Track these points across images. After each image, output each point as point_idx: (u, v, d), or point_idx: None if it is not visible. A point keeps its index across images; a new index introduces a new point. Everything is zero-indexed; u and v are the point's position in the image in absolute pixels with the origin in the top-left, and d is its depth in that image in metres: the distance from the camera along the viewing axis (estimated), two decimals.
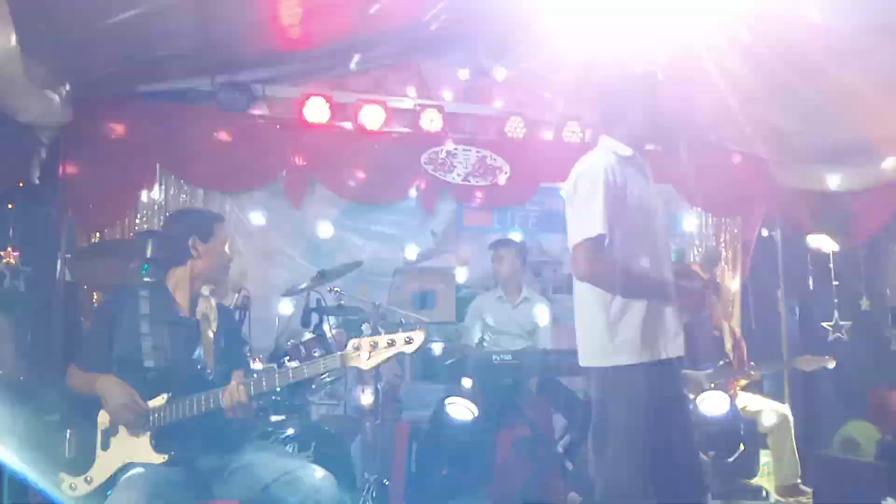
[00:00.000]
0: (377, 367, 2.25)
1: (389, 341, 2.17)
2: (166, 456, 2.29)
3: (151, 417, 2.32)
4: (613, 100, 2.50)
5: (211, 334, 2.50)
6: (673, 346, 2.32)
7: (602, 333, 2.32)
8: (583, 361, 2.39)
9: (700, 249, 5.62)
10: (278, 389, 2.31)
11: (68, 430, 2.40)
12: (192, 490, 2.33)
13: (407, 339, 2.16)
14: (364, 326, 4.08)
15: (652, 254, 2.37)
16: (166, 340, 2.43)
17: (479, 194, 5.27)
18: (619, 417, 2.26)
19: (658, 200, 2.48)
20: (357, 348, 2.17)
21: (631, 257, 2.33)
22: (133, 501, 2.09)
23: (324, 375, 3.74)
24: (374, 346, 2.17)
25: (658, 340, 2.30)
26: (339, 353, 2.22)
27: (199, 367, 2.40)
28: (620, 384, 2.28)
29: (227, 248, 2.64)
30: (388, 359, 2.19)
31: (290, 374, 2.24)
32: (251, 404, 2.28)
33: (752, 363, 4.64)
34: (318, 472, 2.32)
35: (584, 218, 2.30)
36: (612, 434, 2.25)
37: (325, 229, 5.04)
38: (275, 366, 3.57)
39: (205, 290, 2.57)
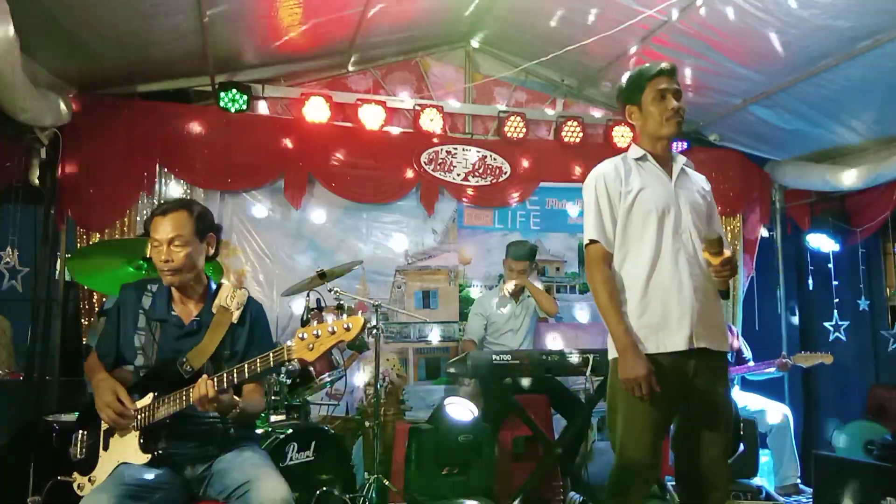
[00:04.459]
0: (321, 357, 2.18)
1: (331, 330, 2.09)
2: (149, 456, 2.26)
3: (139, 417, 2.29)
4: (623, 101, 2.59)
5: (216, 339, 2.41)
6: (674, 339, 2.34)
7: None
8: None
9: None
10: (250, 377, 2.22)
11: (80, 432, 2.41)
12: (173, 492, 2.29)
13: (346, 326, 2.08)
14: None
15: (655, 254, 2.40)
16: (155, 338, 2.40)
17: (479, 194, 5.28)
18: (619, 406, 2.39)
19: (681, 200, 2.48)
20: (303, 338, 2.11)
21: (627, 260, 2.46)
22: None
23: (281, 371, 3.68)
24: (317, 335, 2.10)
25: (658, 333, 2.36)
26: (285, 344, 2.16)
27: (181, 366, 2.32)
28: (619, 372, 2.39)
29: (164, 248, 2.34)
30: (331, 348, 2.12)
31: (246, 370, 2.19)
32: (220, 399, 2.19)
33: (752, 362, 4.64)
34: (272, 484, 2.21)
35: (588, 223, 2.51)
36: (619, 422, 2.39)
37: (325, 229, 5.05)
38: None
39: (224, 292, 2.48)
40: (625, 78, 2.57)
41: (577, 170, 5.41)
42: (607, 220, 2.46)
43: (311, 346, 2.09)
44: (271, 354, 2.18)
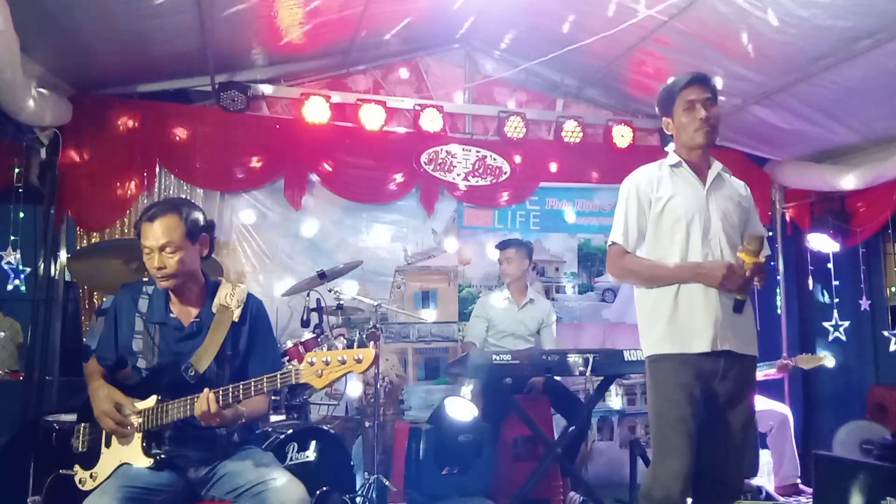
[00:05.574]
0: (329, 386, 2.18)
1: (341, 359, 2.10)
2: (152, 460, 2.26)
3: (141, 419, 2.28)
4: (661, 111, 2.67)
5: (217, 339, 2.39)
6: (699, 342, 2.41)
7: (641, 327, 2.61)
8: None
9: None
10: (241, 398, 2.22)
11: (82, 425, 2.41)
12: (176, 494, 2.27)
13: (357, 358, 2.09)
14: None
15: (682, 259, 2.49)
16: (155, 342, 2.39)
17: (479, 194, 5.27)
18: (651, 402, 2.52)
19: (711, 207, 2.54)
20: (311, 363, 2.11)
21: (659, 259, 2.55)
22: None
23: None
24: (327, 363, 2.09)
25: (685, 336, 2.44)
26: (293, 368, 2.16)
27: (186, 372, 2.30)
28: (652, 372, 2.52)
29: (155, 255, 2.29)
30: (339, 378, 2.13)
31: (252, 389, 2.19)
32: (223, 414, 2.20)
33: None
34: (289, 484, 2.22)
35: (613, 226, 2.64)
36: (650, 418, 2.51)
37: (325, 229, 5.05)
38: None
39: (224, 290, 2.47)
40: (659, 90, 2.65)
41: (577, 170, 5.42)
42: (632, 226, 2.58)
43: (319, 372, 2.10)
44: (278, 376, 2.18)
